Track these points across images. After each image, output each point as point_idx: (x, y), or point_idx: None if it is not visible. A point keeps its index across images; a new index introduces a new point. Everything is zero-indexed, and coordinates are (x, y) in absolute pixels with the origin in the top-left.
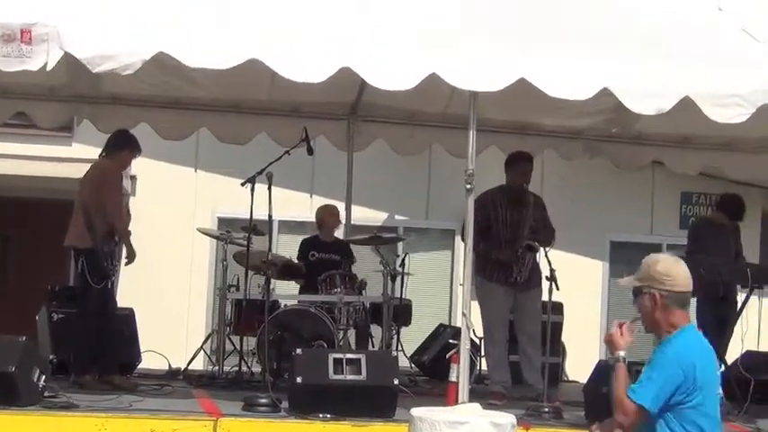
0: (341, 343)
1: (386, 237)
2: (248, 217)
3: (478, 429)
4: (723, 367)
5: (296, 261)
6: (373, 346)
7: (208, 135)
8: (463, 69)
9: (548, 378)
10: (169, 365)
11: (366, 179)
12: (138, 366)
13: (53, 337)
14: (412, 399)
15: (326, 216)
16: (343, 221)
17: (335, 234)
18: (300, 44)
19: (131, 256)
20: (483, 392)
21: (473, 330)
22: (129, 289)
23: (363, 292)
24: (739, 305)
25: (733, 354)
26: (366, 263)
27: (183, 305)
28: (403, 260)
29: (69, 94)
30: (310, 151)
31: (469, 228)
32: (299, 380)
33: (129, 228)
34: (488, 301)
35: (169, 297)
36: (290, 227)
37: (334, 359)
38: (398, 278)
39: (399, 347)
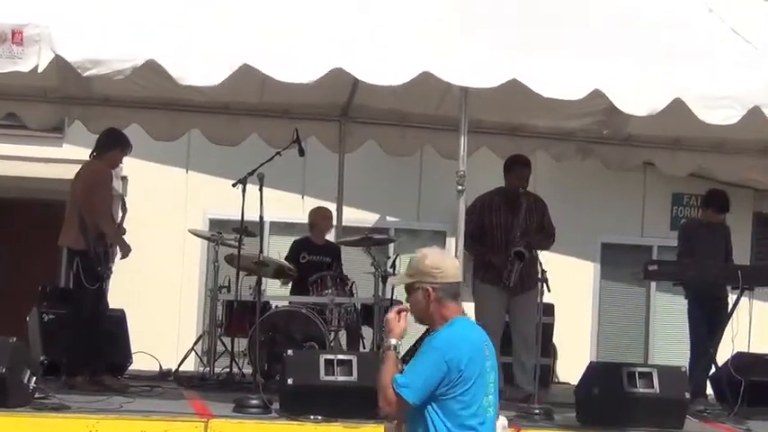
0: (332, 344)
1: (377, 238)
2: (239, 218)
3: None
4: (714, 369)
5: (285, 263)
6: (364, 348)
7: (199, 136)
8: (455, 67)
9: (538, 379)
10: (160, 367)
11: (357, 180)
12: (129, 367)
13: (44, 337)
14: None
15: (319, 219)
16: (335, 223)
17: (327, 236)
18: (292, 45)
19: (126, 252)
20: None
21: None
22: (120, 290)
23: (354, 293)
24: (730, 306)
25: (724, 355)
26: (357, 264)
27: (175, 306)
28: (394, 261)
29: (60, 95)
30: (301, 152)
31: (460, 228)
32: (290, 381)
33: (125, 225)
34: (482, 303)
35: (160, 298)
36: (281, 228)
37: (326, 360)
38: (389, 279)
39: None
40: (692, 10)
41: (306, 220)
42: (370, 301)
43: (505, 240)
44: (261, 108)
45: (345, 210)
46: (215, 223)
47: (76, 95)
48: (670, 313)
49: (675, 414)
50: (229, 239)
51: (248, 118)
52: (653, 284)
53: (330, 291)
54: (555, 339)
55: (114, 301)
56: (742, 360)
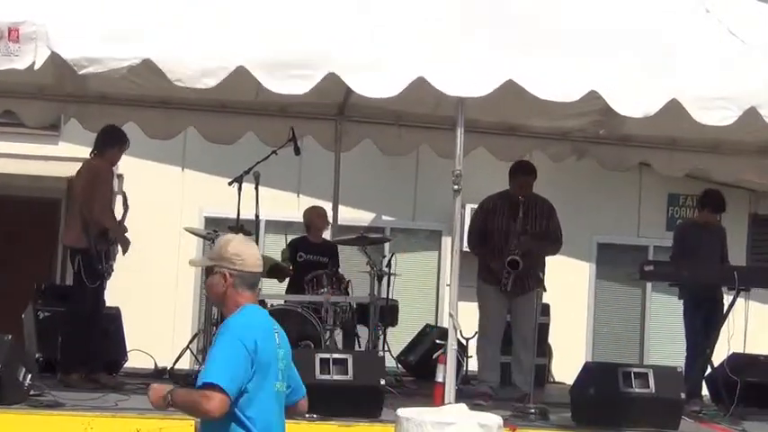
0: (327, 343)
1: (373, 237)
2: (235, 216)
3: (465, 430)
4: (710, 369)
5: (282, 262)
6: (360, 347)
7: (195, 134)
8: (450, 74)
9: (534, 379)
10: (155, 364)
11: (353, 179)
12: (124, 365)
13: (39, 335)
14: (398, 399)
15: (314, 217)
16: (331, 222)
17: (323, 235)
18: (287, 49)
19: (126, 247)
20: (469, 393)
21: (460, 331)
22: (116, 287)
23: (350, 292)
24: (726, 307)
25: (720, 356)
26: (353, 263)
27: (170, 304)
28: (390, 260)
29: (56, 93)
30: (297, 151)
31: (456, 227)
32: None
33: (126, 222)
34: (484, 303)
35: (156, 296)
36: (277, 226)
37: (321, 359)
38: (385, 278)
39: (386, 348)
40: (689, 11)
41: (301, 219)
42: (365, 300)
43: (504, 245)
44: (257, 106)
45: (341, 209)
46: (211, 221)
47: (72, 93)
48: (665, 314)
49: (671, 414)
50: None
51: (244, 116)
52: (649, 285)
53: (325, 290)
54: (550, 339)
55: (110, 298)
56: (738, 361)
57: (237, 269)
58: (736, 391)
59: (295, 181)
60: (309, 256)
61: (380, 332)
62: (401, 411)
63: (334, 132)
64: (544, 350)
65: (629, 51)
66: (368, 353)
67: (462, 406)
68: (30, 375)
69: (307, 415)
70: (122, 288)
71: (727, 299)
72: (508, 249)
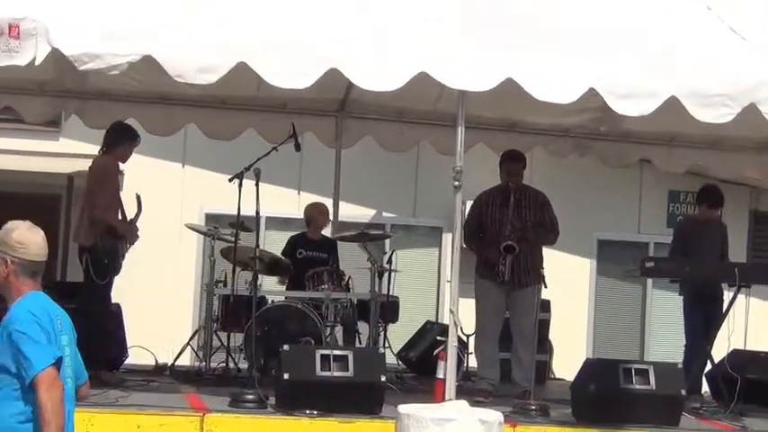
0: (328, 339)
1: (373, 233)
2: (236, 213)
3: (465, 427)
4: (710, 366)
5: (282, 257)
6: (360, 343)
7: (195, 131)
8: (452, 68)
9: (534, 376)
10: (156, 361)
11: (354, 176)
12: (125, 362)
13: None
14: (399, 395)
15: (315, 214)
16: (331, 218)
17: (324, 232)
18: (287, 47)
19: (133, 240)
20: (470, 390)
21: (460, 328)
22: (116, 284)
23: (350, 288)
24: (726, 304)
25: (720, 352)
26: (353, 259)
27: (171, 301)
28: (390, 257)
29: (57, 89)
30: (298, 147)
31: (457, 223)
32: (285, 376)
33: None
34: (481, 298)
35: (156, 293)
36: (277, 223)
37: (322, 356)
38: (386, 275)
39: (386, 344)
40: (690, 8)
41: (302, 216)
42: (366, 297)
43: (497, 235)
44: (257, 103)
45: (342, 205)
46: (211, 218)
47: (73, 89)
48: (666, 310)
49: (671, 411)
50: (226, 234)
51: (245, 113)
52: (649, 281)
53: (326, 286)
54: (551, 336)
55: (111, 295)
56: (738, 357)
57: (18, 257)
58: (736, 388)
59: (296, 177)
60: (309, 253)
61: (381, 329)
62: (402, 408)
63: (335, 129)
64: (545, 347)
65: (629, 51)
66: (368, 349)
67: (463, 402)
68: None
69: (307, 411)
70: (123, 284)
71: (727, 295)
72: (503, 236)
